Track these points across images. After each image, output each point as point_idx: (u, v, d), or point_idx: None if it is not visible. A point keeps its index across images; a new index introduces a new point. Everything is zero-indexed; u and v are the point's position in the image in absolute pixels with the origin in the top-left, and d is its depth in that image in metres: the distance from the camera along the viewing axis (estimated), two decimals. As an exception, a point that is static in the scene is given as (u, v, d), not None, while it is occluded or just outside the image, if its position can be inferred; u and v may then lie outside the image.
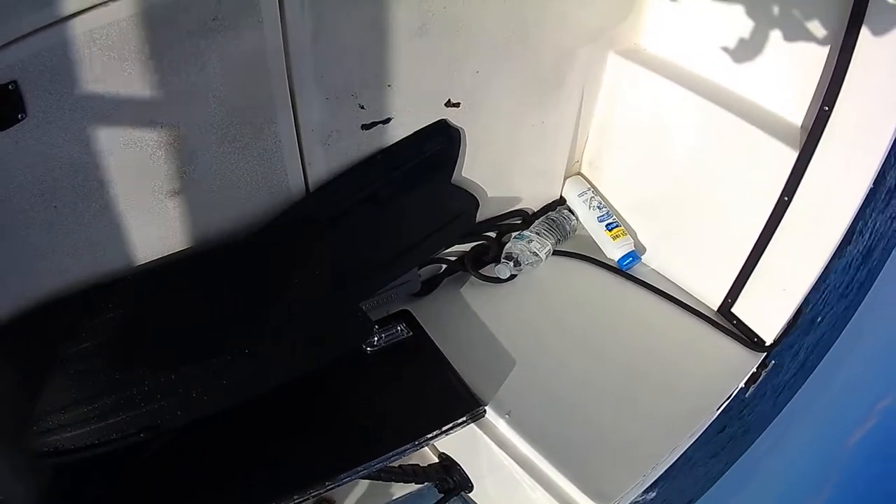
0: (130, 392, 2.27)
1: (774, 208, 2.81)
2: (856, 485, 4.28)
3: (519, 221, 3.56)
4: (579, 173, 3.70)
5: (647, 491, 2.90)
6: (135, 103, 2.02)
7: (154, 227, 2.34)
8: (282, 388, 2.51)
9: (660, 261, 3.47)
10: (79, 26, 1.80)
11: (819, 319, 3.40)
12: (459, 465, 2.99)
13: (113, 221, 2.22)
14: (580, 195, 3.58)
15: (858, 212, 2.64)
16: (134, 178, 2.17)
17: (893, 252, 3.67)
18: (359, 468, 2.54)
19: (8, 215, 1.99)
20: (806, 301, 2.97)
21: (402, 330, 3.03)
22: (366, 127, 2.61)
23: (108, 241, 2.26)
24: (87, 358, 2.27)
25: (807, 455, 4.34)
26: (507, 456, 2.75)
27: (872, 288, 3.82)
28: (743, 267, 3.04)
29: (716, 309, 3.27)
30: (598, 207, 3.53)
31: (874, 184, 2.58)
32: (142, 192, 2.23)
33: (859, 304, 3.81)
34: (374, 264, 2.94)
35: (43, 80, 1.81)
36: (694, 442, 2.95)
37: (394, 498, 3.09)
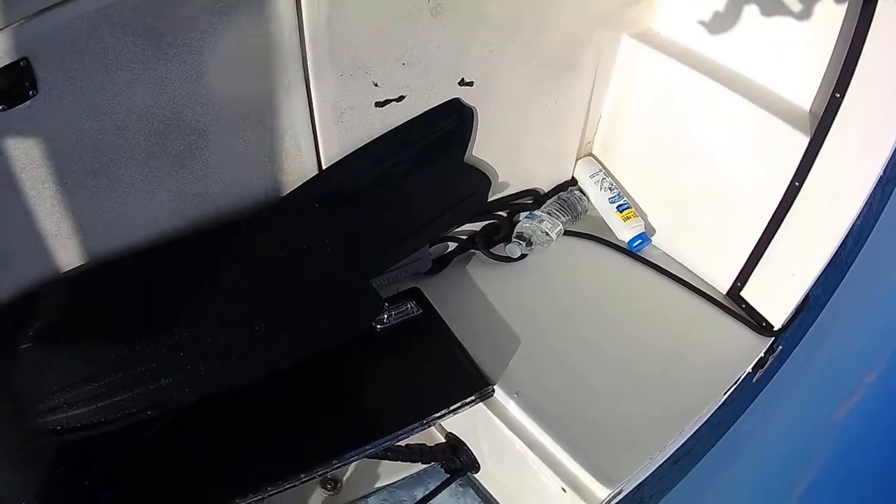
0: (137, 369, 2.29)
1: (785, 193, 2.81)
2: (844, 461, 4.27)
3: (530, 201, 3.56)
4: (591, 154, 3.69)
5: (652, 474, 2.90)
6: (147, 80, 2.02)
7: (165, 204, 2.35)
8: (290, 366, 2.52)
9: (670, 243, 3.47)
10: (90, 3, 1.80)
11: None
12: (466, 445, 3.00)
13: (123, 198, 2.23)
14: (592, 176, 3.58)
15: (868, 198, 2.63)
16: (145, 154, 2.18)
17: (875, 227, 3.65)
18: (366, 447, 2.55)
19: (18, 192, 2.00)
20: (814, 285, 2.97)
21: (412, 308, 3.03)
22: (379, 104, 2.62)
23: (117, 218, 2.27)
24: (94, 335, 2.28)
25: (793, 431, 4.32)
26: (514, 436, 2.75)
27: (854, 262, 3.81)
28: (753, 251, 3.04)
29: (725, 292, 3.27)
30: (610, 189, 3.53)
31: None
32: (152, 169, 2.24)
33: (841, 280, 3.80)
34: (386, 242, 2.94)
35: (54, 57, 1.82)
36: (698, 428, 2.96)
37: (400, 477, 3.10)
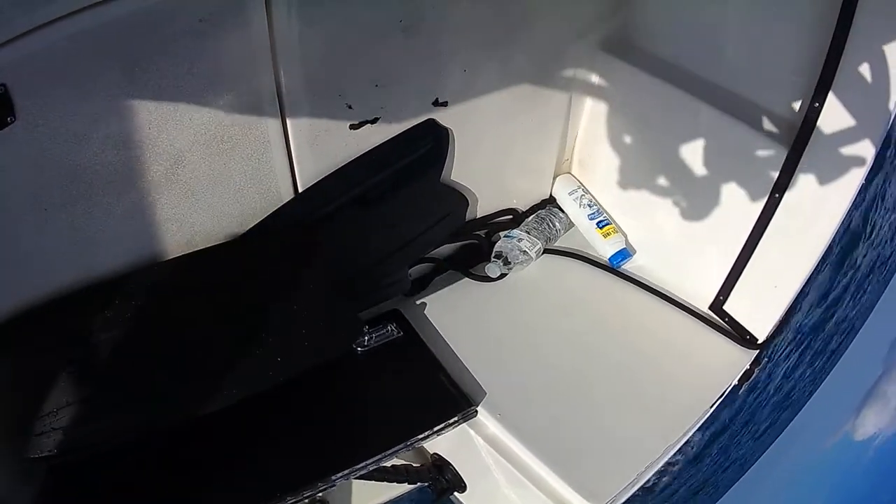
0: (123, 393, 2.27)
1: (765, 205, 2.81)
2: None
3: (509, 219, 3.56)
4: (569, 172, 3.70)
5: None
6: (123, 105, 2.02)
7: (143, 228, 2.36)
8: (273, 389, 2.51)
9: (651, 258, 3.46)
10: (66, 29, 1.80)
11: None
12: (452, 466, 2.99)
13: (102, 223, 2.23)
14: (570, 193, 3.58)
15: (849, 209, 2.64)
16: (123, 179, 2.18)
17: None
18: (350, 469, 2.53)
19: (-2, 218, 2.00)
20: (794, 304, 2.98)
21: (392, 330, 3.01)
22: (353, 127, 2.62)
23: (98, 243, 2.27)
24: (81, 359, 2.27)
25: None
26: (499, 456, 2.74)
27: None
28: (734, 264, 3.04)
29: (707, 306, 3.26)
30: (589, 205, 3.53)
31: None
32: (131, 194, 2.23)
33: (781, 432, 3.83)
34: (364, 264, 2.94)
35: (32, 83, 1.82)
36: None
37: (387, 498, 3.09)
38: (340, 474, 2.51)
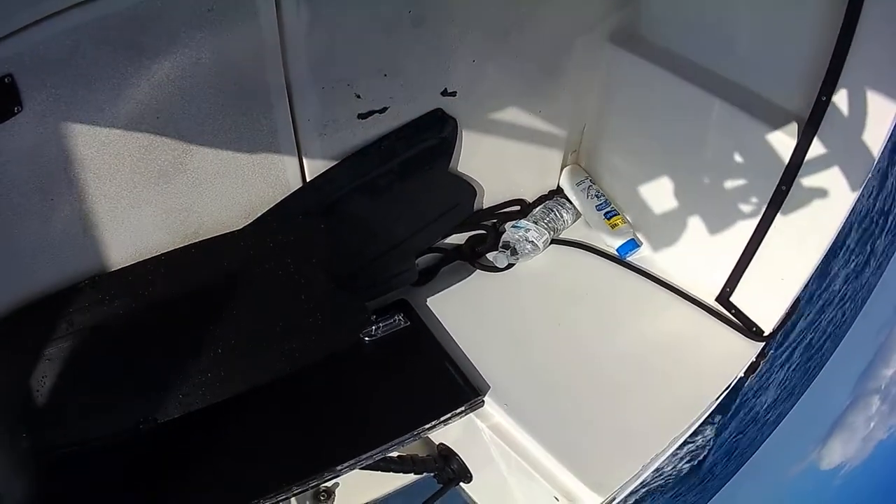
0: (127, 385, 2.28)
1: (772, 197, 2.80)
2: None
3: (517, 210, 3.56)
4: (577, 163, 3.69)
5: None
6: (130, 95, 2.02)
7: (150, 218, 2.35)
8: (280, 379, 2.52)
9: (658, 249, 3.45)
10: (74, 19, 1.80)
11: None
12: (458, 456, 2.99)
13: (109, 213, 2.23)
14: (578, 184, 3.57)
15: (855, 203, 2.63)
16: (129, 169, 2.18)
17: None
18: (357, 459, 2.54)
19: (4, 209, 2.00)
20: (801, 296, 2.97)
21: (399, 320, 3.02)
22: (362, 116, 2.62)
23: (104, 233, 2.27)
24: (84, 351, 2.27)
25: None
26: (505, 446, 2.75)
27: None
28: (741, 256, 3.03)
29: (714, 298, 3.25)
30: (597, 196, 3.52)
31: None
32: (137, 183, 2.23)
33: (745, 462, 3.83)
34: (371, 253, 2.94)
35: (38, 73, 1.82)
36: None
37: (393, 488, 3.10)
38: (346, 464, 2.52)
